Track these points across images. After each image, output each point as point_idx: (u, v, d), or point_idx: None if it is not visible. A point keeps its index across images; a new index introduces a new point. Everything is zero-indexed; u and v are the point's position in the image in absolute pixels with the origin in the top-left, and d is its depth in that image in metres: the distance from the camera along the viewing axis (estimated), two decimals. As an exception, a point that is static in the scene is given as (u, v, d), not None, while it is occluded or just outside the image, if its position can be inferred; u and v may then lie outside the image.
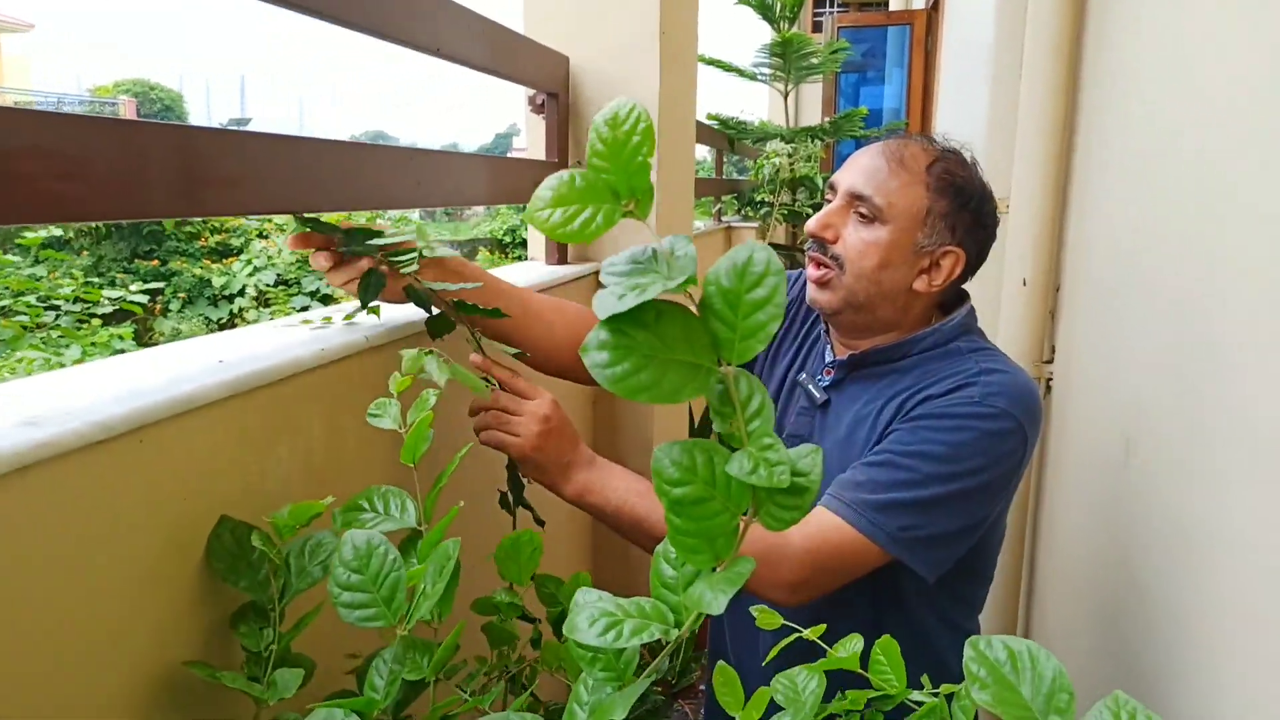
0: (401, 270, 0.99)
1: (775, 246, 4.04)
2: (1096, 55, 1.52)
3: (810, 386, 1.19)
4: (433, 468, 0.86)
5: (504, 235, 16.24)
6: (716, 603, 0.52)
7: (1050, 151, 1.59)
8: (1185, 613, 1.00)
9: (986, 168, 1.22)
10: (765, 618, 0.77)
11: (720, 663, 0.64)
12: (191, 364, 0.77)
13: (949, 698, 0.73)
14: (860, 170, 1.10)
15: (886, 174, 1.08)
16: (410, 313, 1.08)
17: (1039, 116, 1.60)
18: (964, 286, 1.19)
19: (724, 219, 4.03)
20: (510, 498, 1.14)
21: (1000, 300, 1.66)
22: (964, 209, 1.09)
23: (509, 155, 1.50)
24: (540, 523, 1.16)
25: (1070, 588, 1.47)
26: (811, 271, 1.13)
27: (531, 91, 1.77)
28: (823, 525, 1.01)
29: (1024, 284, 1.60)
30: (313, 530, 0.77)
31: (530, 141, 1.83)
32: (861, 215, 1.09)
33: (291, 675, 0.68)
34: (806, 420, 1.21)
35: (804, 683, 0.66)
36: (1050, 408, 1.64)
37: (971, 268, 1.13)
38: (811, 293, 1.14)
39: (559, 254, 1.78)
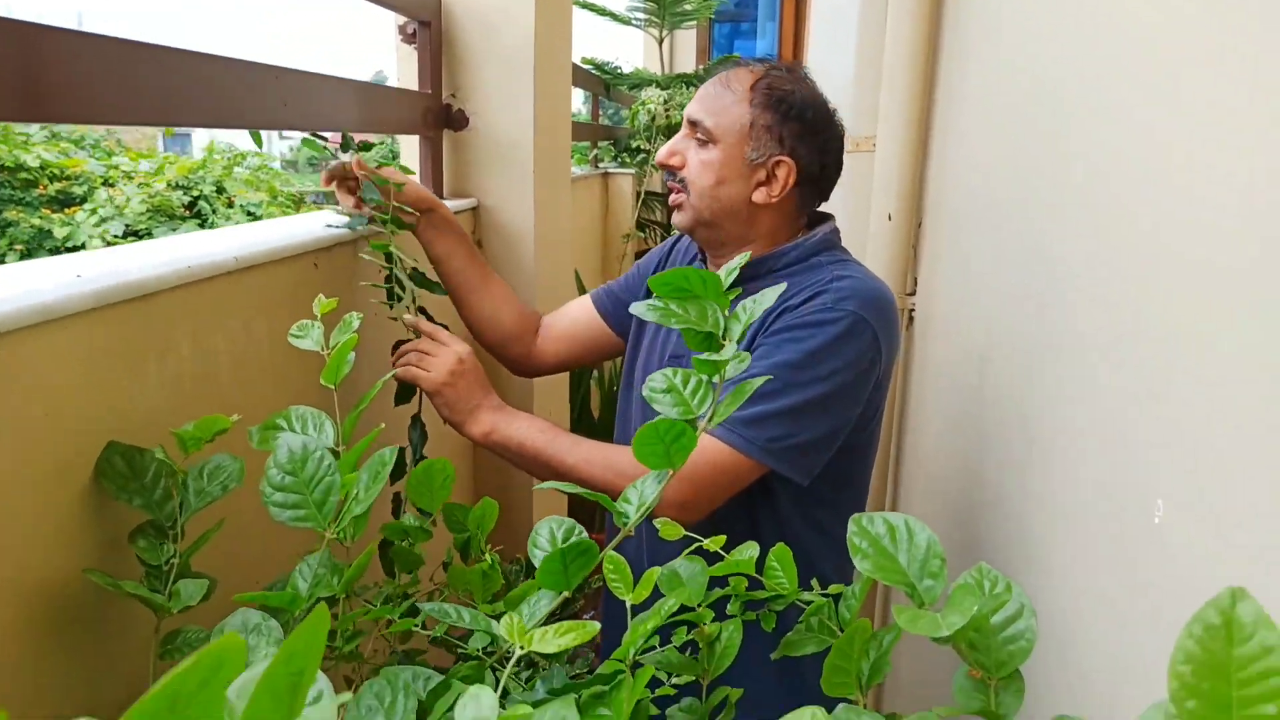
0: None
1: (651, 195, 4.07)
2: (957, 10, 1.58)
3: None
4: (330, 395, 0.84)
5: (373, 186, 15.70)
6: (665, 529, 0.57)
7: (913, 92, 1.66)
8: (1025, 510, 1.09)
9: (855, 110, 1.27)
10: (667, 529, 0.80)
11: (611, 553, 0.66)
12: (47, 278, 0.73)
13: (836, 598, 0.77)
14: (698, 99, 1.20)
15: (714, 97, 1.18)
16: (293, 237, 1.05)
17: (903, 59, 1.66)
18: (830, 212, 1.26)
19: (601, 165, 4.02)
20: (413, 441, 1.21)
21: (867, 235, 1.73)
22: (789, 119, 1.16)
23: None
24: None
25: (930, 498, 1.57)
26: (672, 198, 1.23)
27: (403, 20, 1.71)
28: (702, 447, 1.05)
29: (889, 219, 1.67)
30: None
31: (401, 75, 1.78)
32: (699, 139, 1.18)
33: (195, 585, 0.66)
34: (674, 332, 1.26)
35: (687, 570, 0.69)
36: (913, 339, 1.73)
37: (813, 179, 1.19)
38: (673, 218, 1.23)
39: (435, 189, 1.74)
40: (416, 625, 0.73)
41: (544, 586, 0.61)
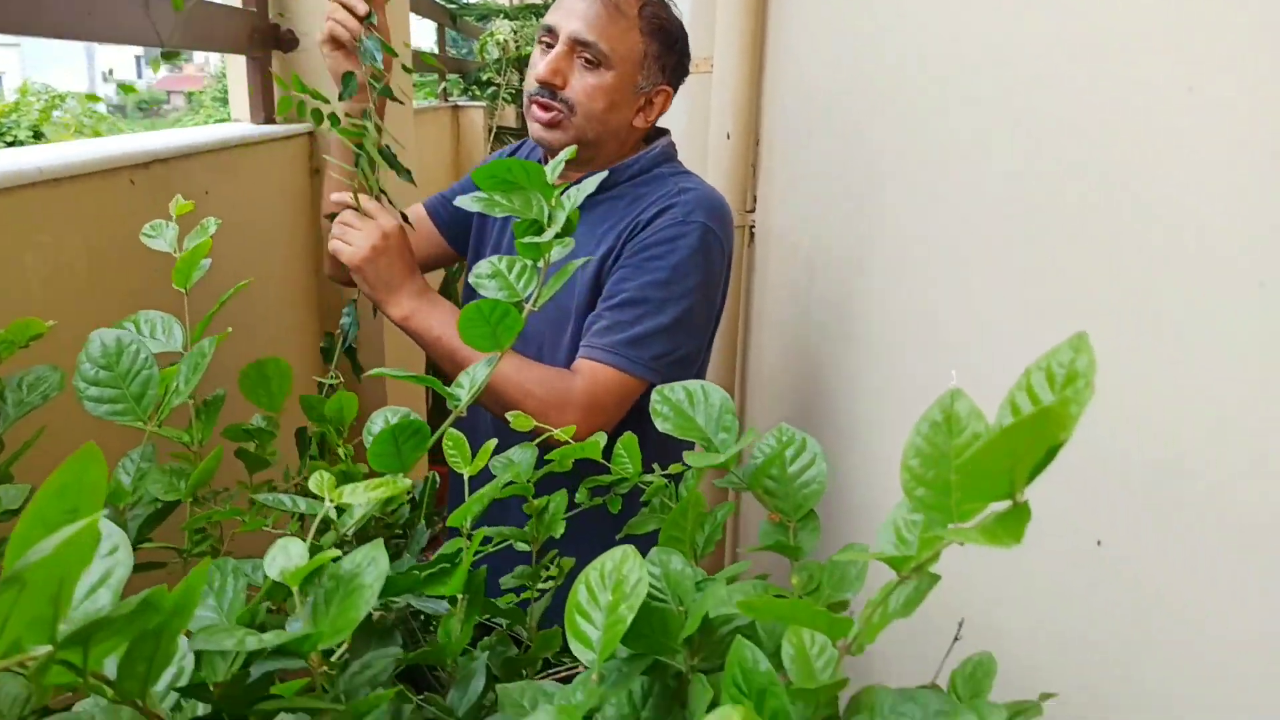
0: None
1: (502, 129, 4.01)
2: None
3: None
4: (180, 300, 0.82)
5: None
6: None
7: (748, 11, 1.70)
8: (852, 402, 1.17)
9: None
10: (518, 420, 0.83)
11: (451, 430, 0.68)
12: None
13: (676, 477, 0.82)
14: (580, 17, 1.15)
15: (607, 20, 1.15)
16: (105, 151, 1.00)
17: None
18: (664, 126, 1.30)
19: (450, 99, 3.92)
20: (337, 344, 1.20)
21: (707, 153, 1.78)
22: (671, 50, 1.21)
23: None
24: (359, 373, 1.16)
25: (774, 403, 1.65)
26: (540, 114, 1.19)
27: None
28: (593, 373, 1.10)
29: (728, 137, 1.72)
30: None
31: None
32: (587, 61, 1.16)
33: (17, 490, 0.64)
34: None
35: (519, 455, 0.72)
36: (754, 254, 1.80)
37: (671, 97, 1.26)
38: (539, 133, 1.20)
39: (265, 113, 1.68)
40: (267, 525, 0.73)
41: (375, 467, 0.63)
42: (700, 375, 1.21)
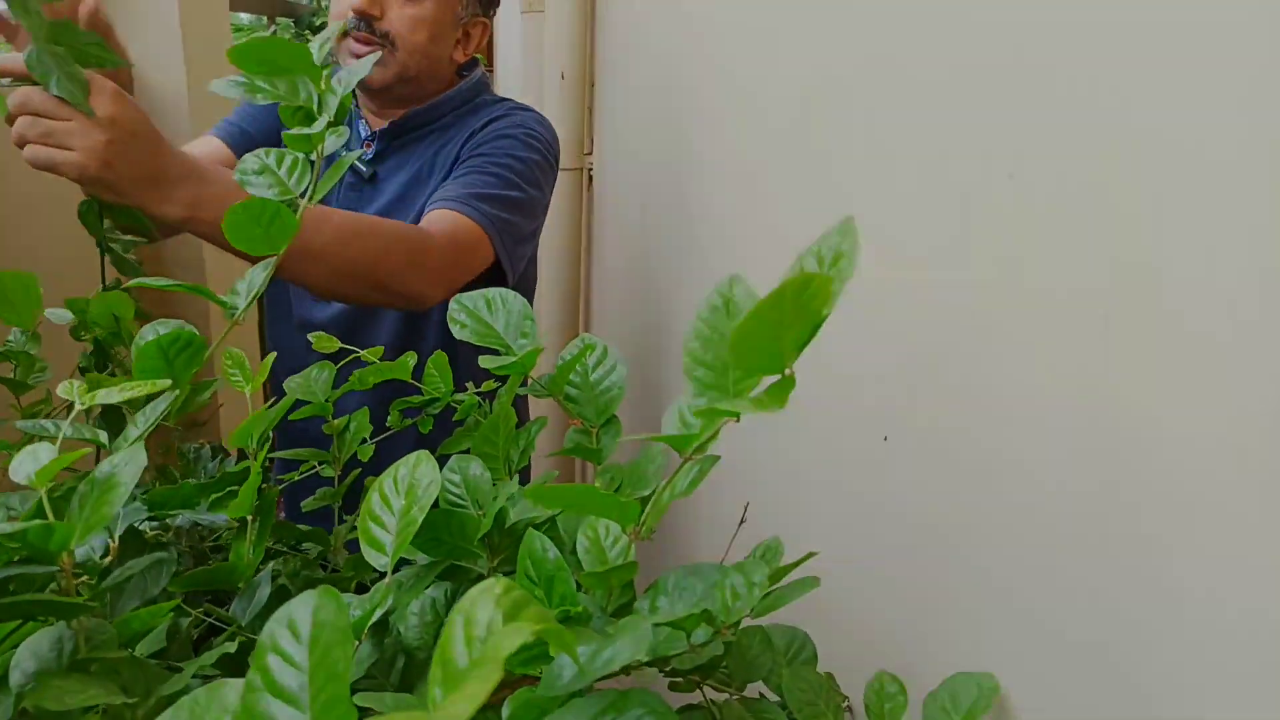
0: None
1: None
2: None
3: (358, 166, 1.22)
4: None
5: None
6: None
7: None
8: (677, 330, 1.20)
9: None
10: (321, 342, 0.80)
11: (229, 348, 0.65)
12: None
13: (489, 394, 0.81)
14: None
15: None
16: None
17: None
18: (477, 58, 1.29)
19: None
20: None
21: (543, 94, 1.76)
22: None
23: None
24: (148, 237, 0.89)
25: (614, 340, 1.66)
26: (358, 48, 1.13)
27: None
28: (446, 219, 1.04)
29: (562, 77, 1.71)
30: None
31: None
32: None
33: None
34: (354, 195, 1.22)
35: (316, 374, 0.70)
36: (592, 197, 1.80)
37: (488, 27, 1.25)
38: (364, 70, 1.13)
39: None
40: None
41: (140, 376, 0.58)
42: (526, 293, 1.21)
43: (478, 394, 0.81)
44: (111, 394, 0.48)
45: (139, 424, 0.53)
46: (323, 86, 0.61)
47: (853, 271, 0.38)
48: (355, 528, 0.52)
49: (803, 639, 0.65)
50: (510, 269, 1.10)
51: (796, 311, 0.36)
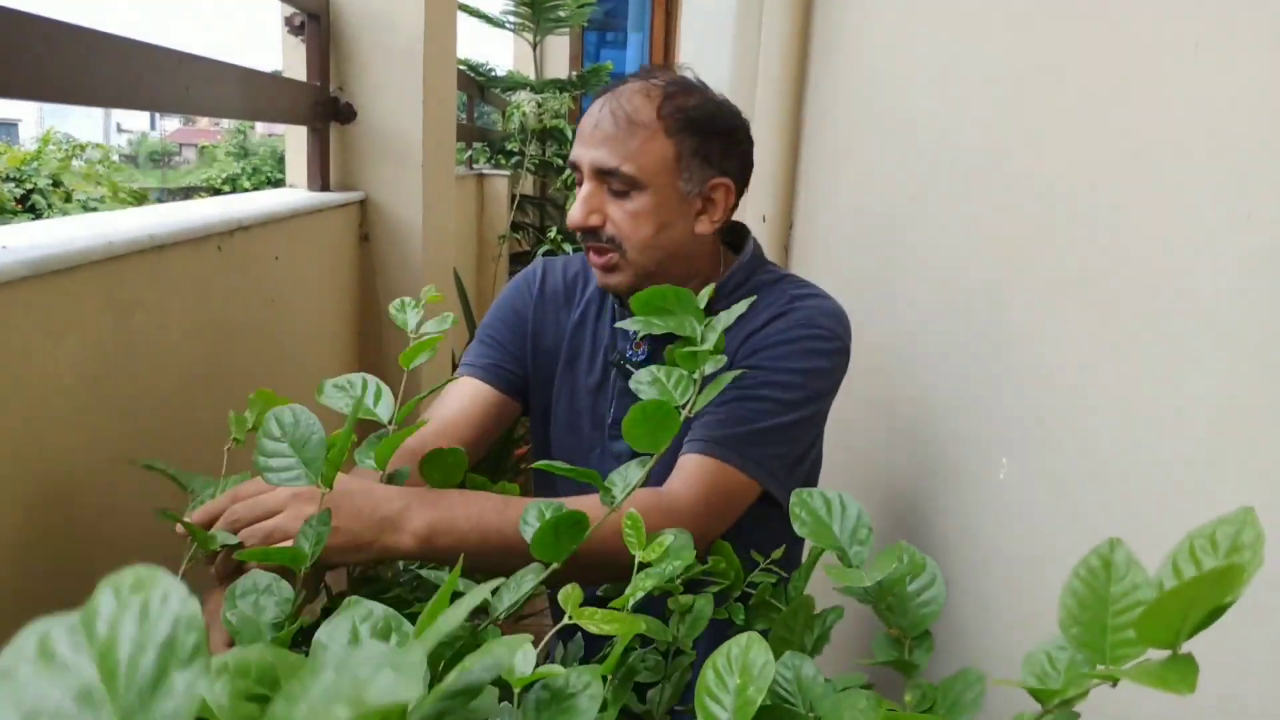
0: None
1: (525, 198, 4.11)
2: (825, 14, 1.72)
3: (627, 366, 1.13)
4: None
5: (223, 184, 15.01)
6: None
7: (784, 101, 1.78)
8: (906, 481, 1.21)
9: None
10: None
11: (631, 511, 0.71)
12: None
13: (785, 580, 0.85)
14: (596, 143, 1.02)
15: (625, 136, 1.01)
16: (196, 220, 1.06)
17: (776, 70, 1.79)
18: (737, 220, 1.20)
19: (475, 167, 4.03)
20: None
21: (744, 235, 1.85)
22: (712, 136, 1.04)
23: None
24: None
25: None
26: (595, 259, 1.06)
27: (290, 12, 1.71)
28: (703, 470, 0.96)
29: (764, 220, 1.79)
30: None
31: (287, 67, 1.77)
32: (616, 190, 1.03)
33: None
34: (630, 399, 1.17)
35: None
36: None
37: (743, 181, 1.10)
38: (601, 279, 1.08)
39: (321, 181, 1.74)
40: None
41: (535, 554, 0.67)
42: (811, 474, 1.12)
43: (772, 569, 0.84)
44: (597, 620, 0.55)
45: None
46: (704, 324, 0.70)
47: (1260, 563, 0.40)
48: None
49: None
50: (785, 497, 0.91)
51: (1205, 595, 0.37)
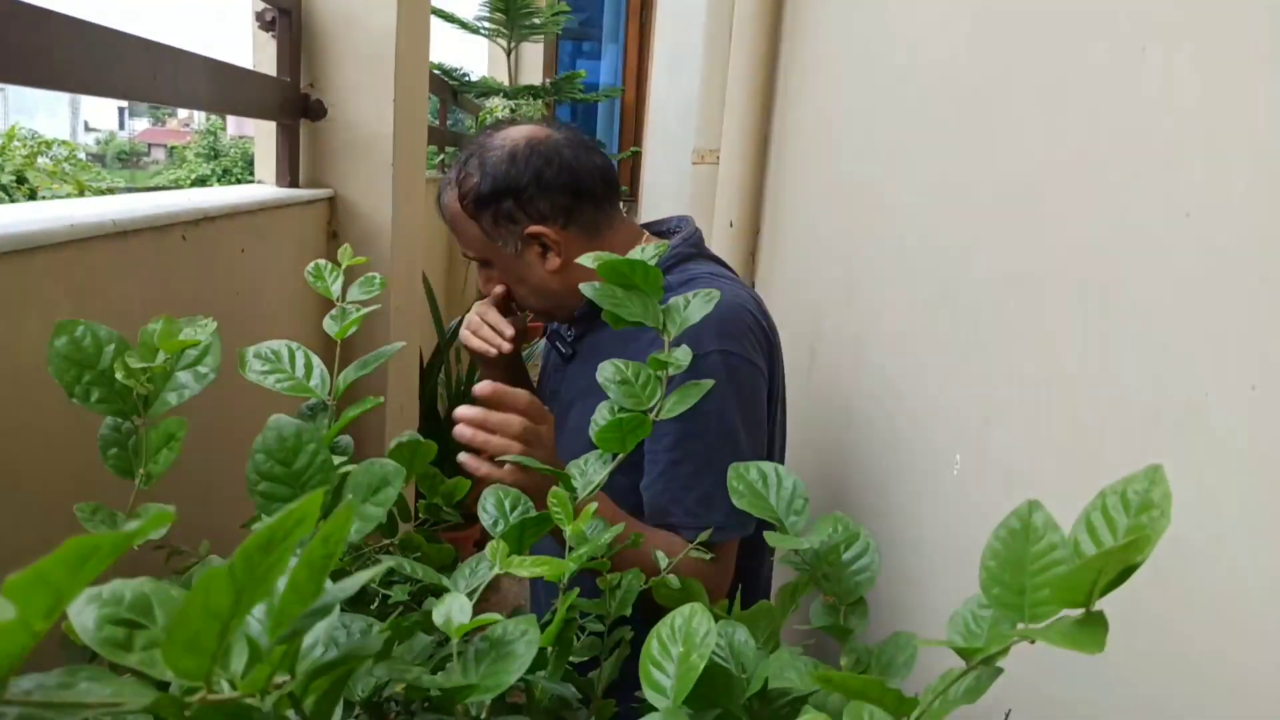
0: None
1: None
2: (793, 27, 1.75)
3: (558, 343, 1.26)
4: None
5: (192, 186, 14.85)
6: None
7: (753, 112, 1.81)
8: (852, 485, 1.23)
9: (700, 126, 1.37)
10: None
11: (555, 488, 0.71)
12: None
13: None
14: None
15: (457, 231, 1.19)
16: (162, 207, 1.05)
17: (745, 81, 1.81)
18: (679, 215, 1.29)
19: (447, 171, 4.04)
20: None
21: (711, 241, 1.87)
22: (502, 200, 1.12)
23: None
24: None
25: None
26: (532, 321, 1.27)
27: (261, 7, 1.71)
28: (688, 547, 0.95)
29: (730, 225, 1.81)
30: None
31: (257, 62, 1.77)
32: (483, 270, 1.22)
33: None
34: (559, 375, 1.27)
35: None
36: (750, 336, 1.88)
37: (572, 208, 1.14)
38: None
39: (290, 177, 1.74)
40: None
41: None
42: (777, 450, 1.18)
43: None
44: (525, 567, 0.56)
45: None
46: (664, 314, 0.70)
47: (1167, 522, 0.42)
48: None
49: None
50: (749, 532, 1.06)
51: (1116, 561, 0.39)
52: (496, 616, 0.51)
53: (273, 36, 1.73)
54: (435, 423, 2.89)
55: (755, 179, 1.81)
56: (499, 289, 1.22)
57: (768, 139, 1.83)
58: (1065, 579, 0.40)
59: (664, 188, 3.04)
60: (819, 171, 1.48)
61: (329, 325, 0.83)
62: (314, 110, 1.77)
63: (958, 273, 0.94)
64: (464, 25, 4.38)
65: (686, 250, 1.20)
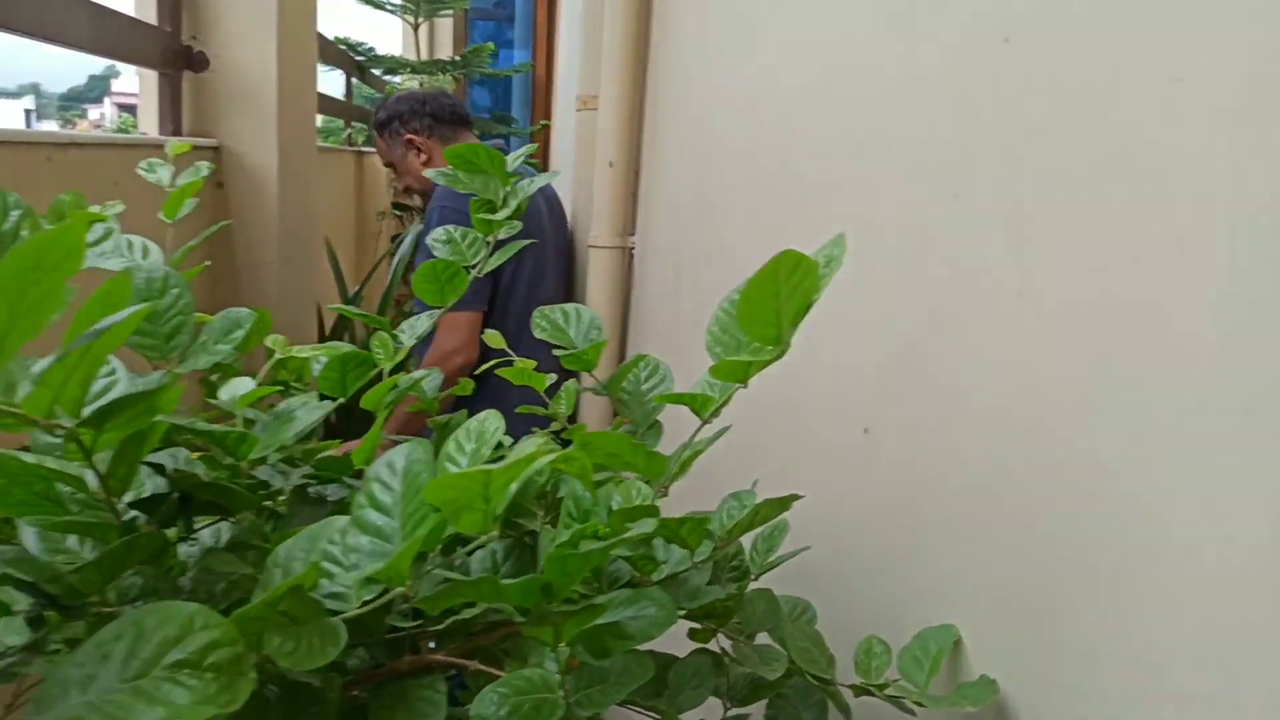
0: None
1: (408, 176, 4.14)
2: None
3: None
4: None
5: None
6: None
7: (629, 59, 1.89)
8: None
9: (582, 77, 1.44)
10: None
11: (380, 334, 0.80)
12: None
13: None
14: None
15: (378, 150, 2.32)
16: (29, 134, 1.09)
17: (619, 27, 1.90)
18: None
19: (354, 146, 4.04)
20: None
21: (593, 181, 1.95)
22: (392, 122, 2.18)
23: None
24: None
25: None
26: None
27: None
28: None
29: (610, 165, 1.90)
30: None
31: (139, 9, 1.79)
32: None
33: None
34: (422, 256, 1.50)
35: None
36: (633, 274, 1.97)
37: (433, 127, 2.16)
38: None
39: (174, 127, 1.77)
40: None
41: (322, 389, 0.73)
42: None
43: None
44: (304, 350, 0.63)
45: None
46: (507, 189, 0.77)
47: (839, 268, 0.51)
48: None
49: (805, 605, 0.76)
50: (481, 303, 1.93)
51: (791, 287, 0.48)
52: (275, 388, 0.58)
53: (153, -12, 1.76)
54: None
55: (633, 121, 1.90)
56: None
57: (644, 86, 1.92)
58: (748, 302, 0.48)
59: (566, 145, 3.12)
60: (695, 113, 1.57)
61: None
62: (197, 61, 1.80)
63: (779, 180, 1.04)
64: (369, 1, 4.38)
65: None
